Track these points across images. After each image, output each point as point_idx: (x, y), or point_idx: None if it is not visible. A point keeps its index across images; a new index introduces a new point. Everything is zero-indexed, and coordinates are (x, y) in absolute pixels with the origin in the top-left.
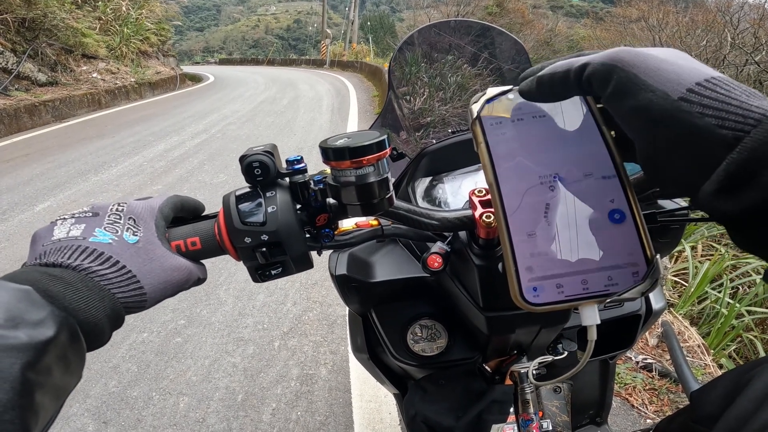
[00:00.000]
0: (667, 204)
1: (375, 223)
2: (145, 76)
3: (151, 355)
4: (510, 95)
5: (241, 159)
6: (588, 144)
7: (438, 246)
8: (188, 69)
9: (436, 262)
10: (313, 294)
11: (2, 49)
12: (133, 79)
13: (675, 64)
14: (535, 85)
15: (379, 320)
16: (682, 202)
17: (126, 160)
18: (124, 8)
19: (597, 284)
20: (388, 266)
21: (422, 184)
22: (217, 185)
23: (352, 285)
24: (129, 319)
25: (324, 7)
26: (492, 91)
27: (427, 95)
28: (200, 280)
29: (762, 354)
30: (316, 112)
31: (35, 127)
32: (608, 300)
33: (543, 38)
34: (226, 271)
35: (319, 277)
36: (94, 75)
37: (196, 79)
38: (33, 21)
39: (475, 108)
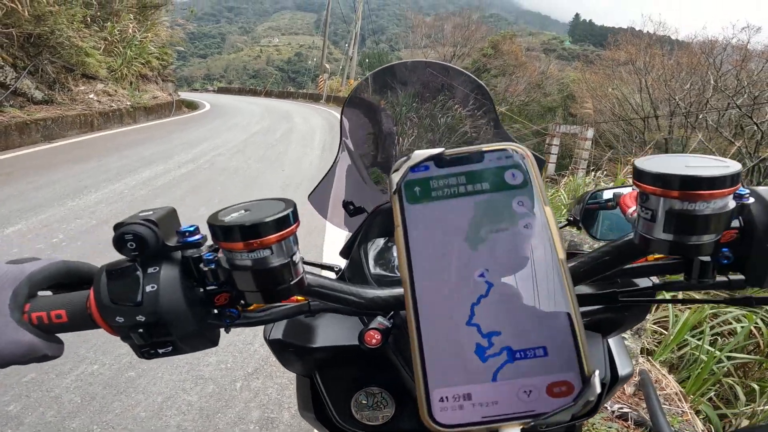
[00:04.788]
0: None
1: (301, 297)
2: (142, 100)
3: (98, 387)
4: (441, 161)
5: (115, 228)
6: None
7: (378, 321)
8: (186, 95)
9: (374, 338)
10: None
11: (2, 64)
12: (129, 103)
13: None
14: None
15: (323, 384)
16: (647, 281)
17: (108, 185)
18: (131, 30)
19: (521, 403)
20: (331, 331)
21: (376, 246)
22: (196, 219)
23: (290, 350)
24: (80, 349)
25: (324, 42)
26: (419, 155)
27: (416, 136)
28: (46, 357)
29: (742, 400)
30: (308, 146)
31: (23, 146)
32: (532, 422)
33: (535, 81)
34: None
35: None
36: (91, 96)
37: (192, 106)
38: (39, 37)
39: (396, 178)
